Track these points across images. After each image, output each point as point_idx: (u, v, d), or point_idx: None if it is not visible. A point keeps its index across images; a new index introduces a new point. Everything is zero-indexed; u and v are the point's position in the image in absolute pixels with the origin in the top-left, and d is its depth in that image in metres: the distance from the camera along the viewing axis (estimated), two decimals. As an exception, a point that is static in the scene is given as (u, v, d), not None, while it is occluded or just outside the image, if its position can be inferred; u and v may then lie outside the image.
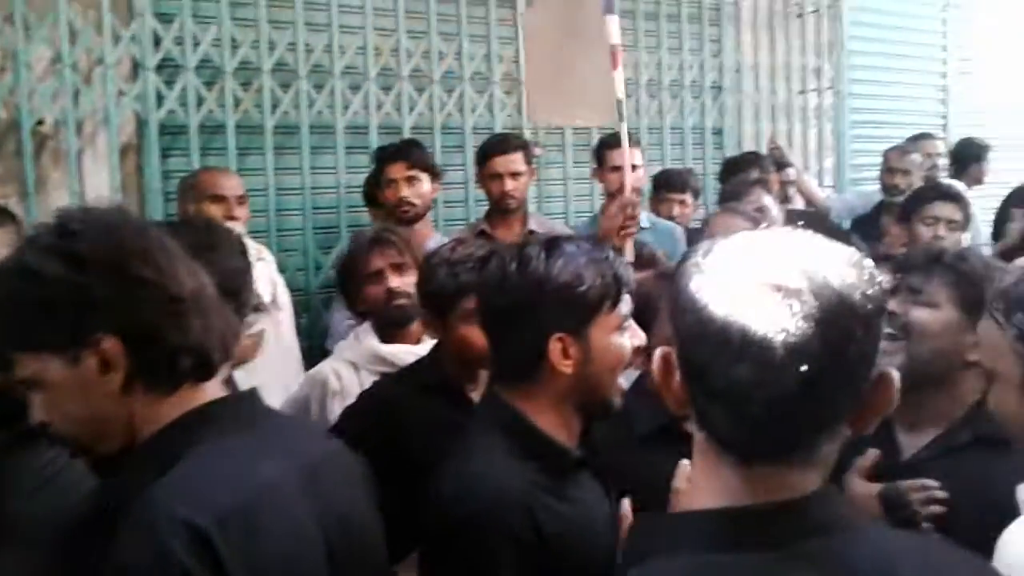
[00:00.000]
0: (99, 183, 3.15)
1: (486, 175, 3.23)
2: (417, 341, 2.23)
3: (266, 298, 2.51)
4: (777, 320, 0.74)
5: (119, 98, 3.17)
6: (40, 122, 3.05)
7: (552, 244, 1.37)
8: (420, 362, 2.05)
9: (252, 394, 1.17)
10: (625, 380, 1.47)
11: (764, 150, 4.65)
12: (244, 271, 1.58)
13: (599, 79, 2.09)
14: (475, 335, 1.64)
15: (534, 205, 3.99)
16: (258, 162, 3.45)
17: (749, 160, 4.03)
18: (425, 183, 3.09)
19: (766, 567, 0.75)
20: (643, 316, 1.68)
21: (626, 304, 1.39)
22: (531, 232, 3.12)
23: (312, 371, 2.50)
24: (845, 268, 0.78)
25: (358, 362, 2.20)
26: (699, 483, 0.84)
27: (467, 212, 3.93)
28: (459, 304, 1.82)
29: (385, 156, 3.17)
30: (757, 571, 0.75)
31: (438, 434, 1.57)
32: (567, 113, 2.24)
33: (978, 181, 4.82)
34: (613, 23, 2.23)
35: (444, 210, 3.84)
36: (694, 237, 3.25)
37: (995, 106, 5.91)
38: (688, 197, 3.85)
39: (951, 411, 1.47)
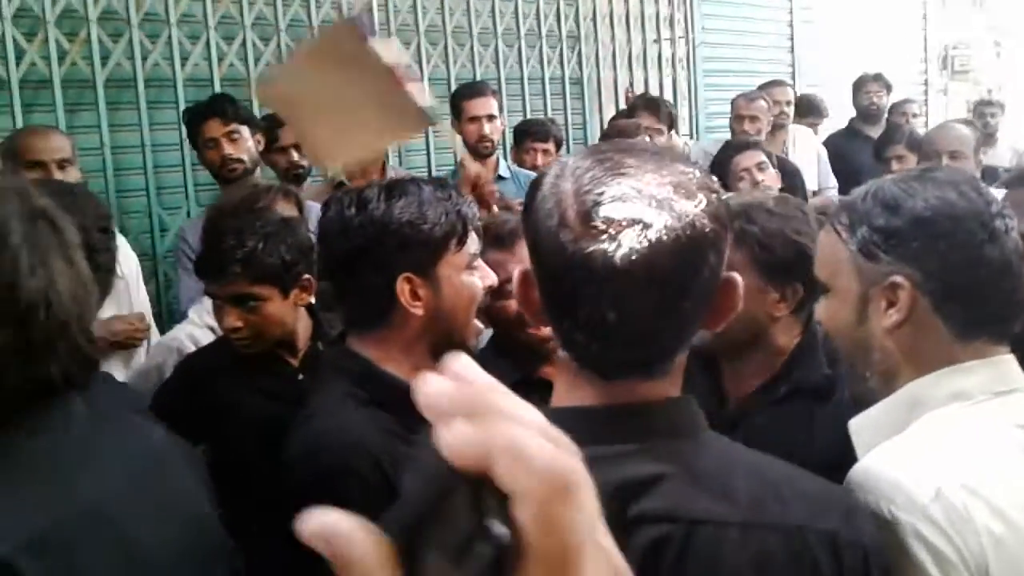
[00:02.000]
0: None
1: (465, 119, 3.36)
2: None
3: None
4: (632, 247, 0.75)
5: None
6: None
7: (392, 186, 1.34)
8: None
9: (74, 395, 0.94)
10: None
11: (622, 99, 4.69)
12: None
13: (390, 100, 2.04)
14: None
15: (395, 159, 3.88)
16: (91, 119, 3.20)
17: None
18: (247, 138, 2.87)
19: (617, 459, 0.78)
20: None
21: (474, 242, 1.37)
22: None
23: (164, 337, 2.38)
24: (694, 191, 0.79)
25: (215, 326, 2.08)
26: (561, 395, 0.86)
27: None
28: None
29: (196, 116, 2.93)
30: (609, 462, 0.77)
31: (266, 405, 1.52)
32: (366, 145, 2.17)
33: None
34: (383, 44, 2.15)
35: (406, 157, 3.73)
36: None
37: (837, 54, 6.16)
38: (551, 146, 3.83)
39: (771, 364, 1.48)
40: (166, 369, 2.12)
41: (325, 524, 0.34)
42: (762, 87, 4.76)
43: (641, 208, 0.76)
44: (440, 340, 1.34)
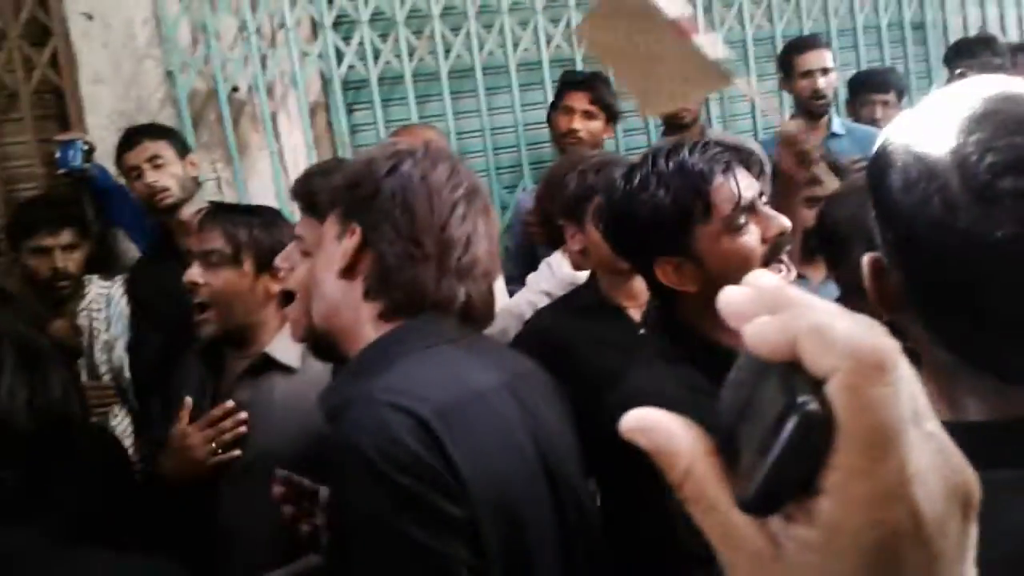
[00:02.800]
0: (295, 143, 3.31)
1: (796, 75, 3.24)
2: None
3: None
4: None
5: (303, 59, 3.30)
6: (235, 88, 3.22)
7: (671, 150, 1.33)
8: (577, 287, 2.05)
9: (452, 319, 1.17)
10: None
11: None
12: None
13: (684, 55, 2.01)
14: None
15: (719, 124, 3.82)
16: (437, 108, 3.50)
17: (981, 42, 3.69)
18: (599, 121, 2.99)
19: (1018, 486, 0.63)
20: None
21: (729, 202, 1.28)
22: None
23: (507, 304, 2.53)
24: None
25: (553, 292, 2.20)
26: (938, 403, 0.71)
27: (648, 140, 3.83)
28: (588, 207, 1.83)
29: (568, 84, 3.10)
30: (1008, 491, 0.62)
31: (602, 354, 1.56)
32: (676, 95, 2.15)
33: None
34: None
35: (624, 139, 3.77)
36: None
37: None
38: (892, 97, 3.55)
39: None
40: (509, 334, 2.26)
41: (646, 418, 0.35)
42: None
43: None
44: None
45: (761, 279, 0.35)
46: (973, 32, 4.39)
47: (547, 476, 1.10)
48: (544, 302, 2.25)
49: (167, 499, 1.78)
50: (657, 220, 1.28)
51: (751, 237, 1.28)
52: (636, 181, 1.30)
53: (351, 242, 1.11)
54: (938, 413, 0.69)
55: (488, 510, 0.99)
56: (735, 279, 1.03)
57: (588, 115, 2.97)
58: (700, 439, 0.34)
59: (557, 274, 2.25)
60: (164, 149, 2.71)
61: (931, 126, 0.67)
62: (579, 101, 2.99)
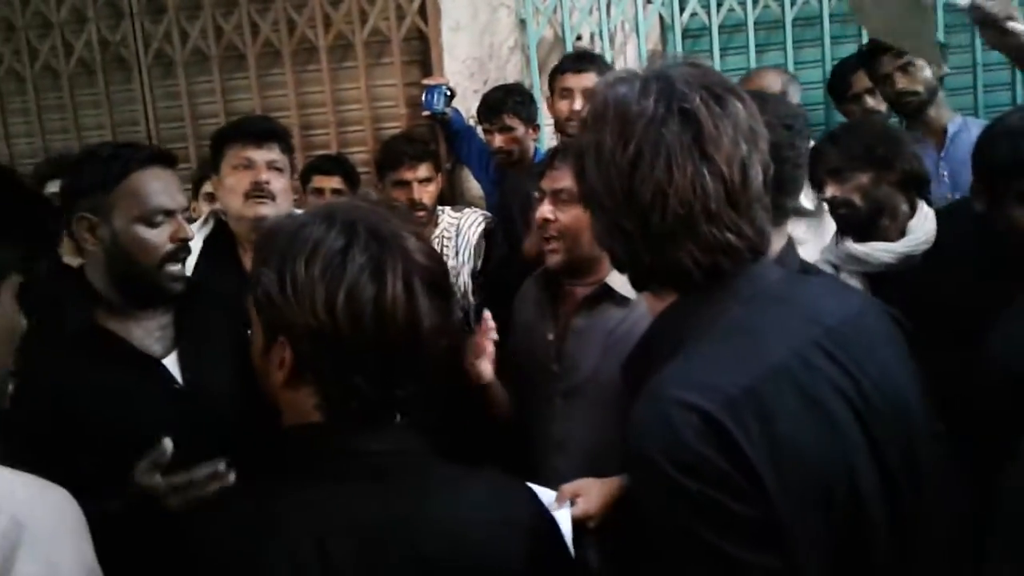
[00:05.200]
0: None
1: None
2: (900, 235, 2.04)
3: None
4: None
5: (646, 6, 3.35)
6: (579, 37, 3.36)
7: None
8: (959, 248, 1.92)
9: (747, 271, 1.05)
10: None
11: None
12: None
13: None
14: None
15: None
16: (777, 57, 3.42)
17: None
18: (923, 69, 2.68)
19: None
20: None
21: None
22: None
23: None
24: None
25: (837, 263, 2.10)
26: None
27: (1012, 96, 3.47)
28: (1016, 180, 1.65)
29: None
30: None
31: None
32: (897, 35, 1.96)
33: None
34: None
35: (985, 95, 3.44)
36: None
37: None
38: None
39: None
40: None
41: None
42: None
43: None
44: None
45: None
46: None
47: (871, 441, 0.97)
48: (829, 271, 2.11)
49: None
50: None
51: None
52: None
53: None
54: None
55: (795, 507, 0.89)
56: None
57: (905, 69, 2.69)
58: None
59: (839, 245, 2.11)
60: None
61: None
62: (579, 81, 2.81)
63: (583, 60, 2.89)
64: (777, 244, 1.47)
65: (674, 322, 1.02)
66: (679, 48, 3.38)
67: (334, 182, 2.92)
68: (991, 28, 1.89)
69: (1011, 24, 1.87)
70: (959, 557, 1.06)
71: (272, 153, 2.20)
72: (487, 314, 1.99)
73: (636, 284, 1.07)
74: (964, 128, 2.61)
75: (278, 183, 2.19)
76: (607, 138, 0.99)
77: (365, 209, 1.05)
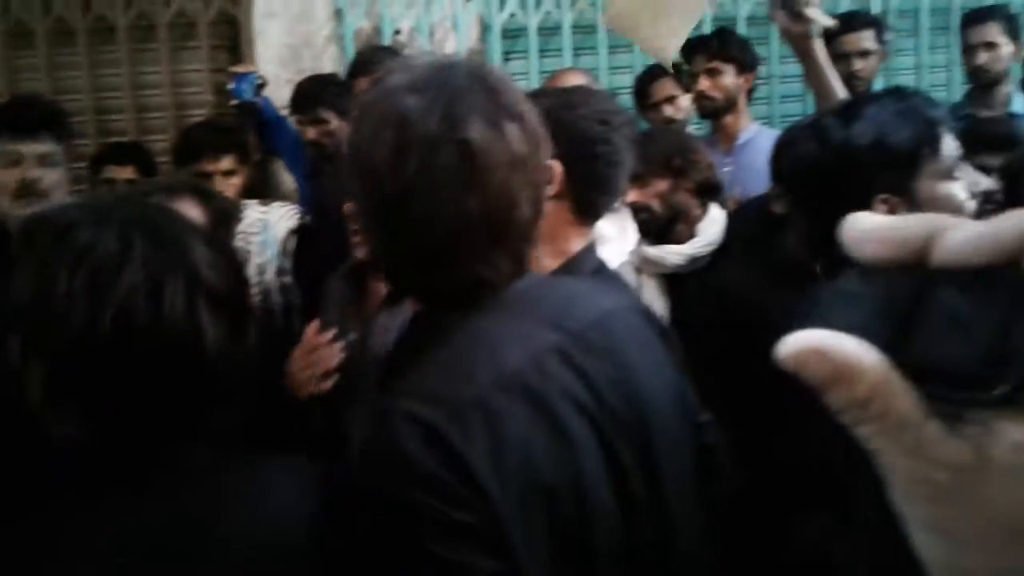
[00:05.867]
0: (448, 87, 3.36)
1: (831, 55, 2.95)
2: (691, 238, 2.11)
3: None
4: None
5: (466, 4, 3.34)
6: (397, 31, 3.30)
7: (849, 108, 1.28)
8: (754, 247, 2.01)
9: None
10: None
11: None
12: None
13: None
14: None
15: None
16: (593, 61, 3.49)
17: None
18: (727, 75, 2.80)
19: None
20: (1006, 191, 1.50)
21: (951, 146, 1.25)
22: None
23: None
24: None
25: (636, 264, 2.14)
26: None
27: (804, 108, 3.70)
28: None
29: (687, 50, 2.89)
30: None
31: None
32: (675, 33, 2.11)
33: None
34: None
35: (780, 106, 3.65)
36: None
37: None
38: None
39: None
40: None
41: (822, 337, 0.32)
42: None
43: None
44: None
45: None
46: None
47: (605, 445, 0.98)
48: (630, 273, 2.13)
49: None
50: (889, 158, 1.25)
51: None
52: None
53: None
54: None
55: (517, 511, 0.90)
56: None
57: (712, 72, 2.79)
58: (879, 353, 0.32)
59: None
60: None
61: None
62: (698, 63, 2.82)
63: (384, 55, 2.81)
64: (577, 245, 1.47)
65: (419, 330, 1.03)
66: (498, 48, 3.39)
67: (127, 172, 2.73)
68: (787, 9, 1.95)
69: (808, 10, 1.94)
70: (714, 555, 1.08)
71: (43, 146, 2.01)
72: (312, 327, 1.89)
73: (395, 293, 1.06)
74: (757, 136, 2.75)
75: (50, 178, 2.01)
76: (382, 151, 0.94)
77: (148, 209, 0.95)
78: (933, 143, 1.25)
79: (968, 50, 3.09)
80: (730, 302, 1.80)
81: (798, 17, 1.94)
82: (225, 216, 2.40)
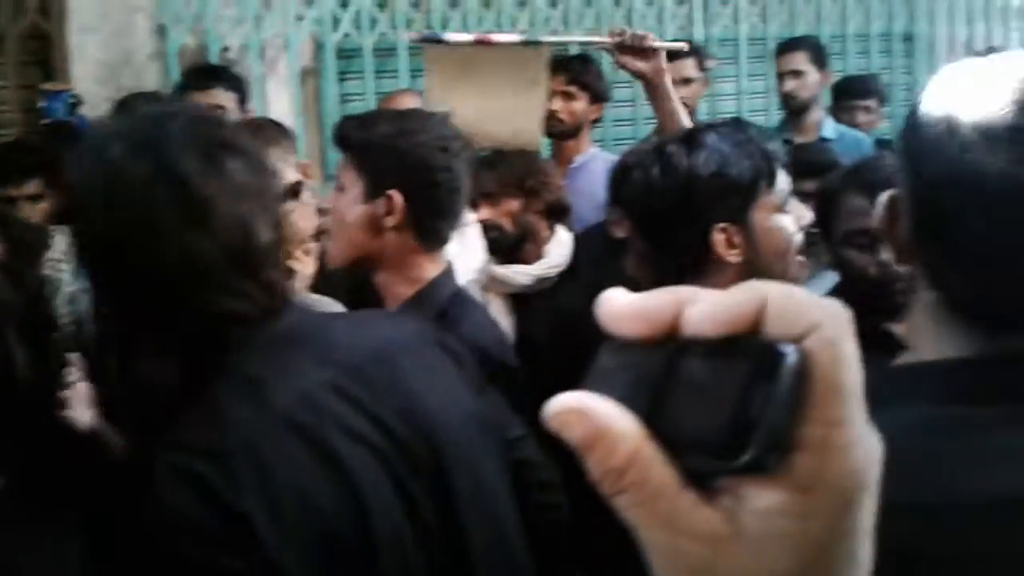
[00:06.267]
0: (281, 108, 3.26)
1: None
2: (539, 259, 2.12)
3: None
4: None
5: (298, 22, 3.26)
6: (226, 48, 3.18)
7: (690, 136, 1.31)
8: (598, 271, 2.04)
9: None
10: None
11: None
12: None
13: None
14: None
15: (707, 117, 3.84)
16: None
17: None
18: (581, 101, 2.85)
19: (1007, 422, 0.66)
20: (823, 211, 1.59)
21: (783, 181, 1.32)
22: None
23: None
24: None
25: (484, 282, 2.13)
26: (923, 344, 0.74)
27: (635, 131, 3.84)
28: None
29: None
30: (998, 426, 0.66)
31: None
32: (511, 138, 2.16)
33: None
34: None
35: (612, 129, 3.77)
36: (885, 148, 3.03)
37: None
38: (872, 103, 3.60)
39: None
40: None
41: (585, 400, 0.32)
42: None
43: None
44: None
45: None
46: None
47: (395, 477, 0.98)
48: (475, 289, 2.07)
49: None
50: (730, 187, 1.28)
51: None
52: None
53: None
54: (924, 352, 0.72)
55: (297, 552, 0.90)
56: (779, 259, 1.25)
57: (566, 96, 2.82)
58: (637, 422, 0.32)
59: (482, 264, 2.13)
60: (229, 101, 2.64)
61: (962, 70, 0.70)
62: (556, 83, 2.82)
63: (209, 77, 2.70)
64: (432, 271, 1.46)
65: (184, 376, 1.02)
66: (333, 68, 3.33)
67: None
68: (632, 49, 1.96)
69: (655, 43, 1.97)
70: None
71: None
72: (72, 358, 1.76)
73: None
74: (591, 160, 2.81)
75: None
76: (95, 199, 0.94)
77: None
78: (770, 176, 1.30)
79: (779, 77, 3.29)
80: (573, 324, 1.81)
81: (645, 53, 1.97)
82: (25, 244, 2.24)
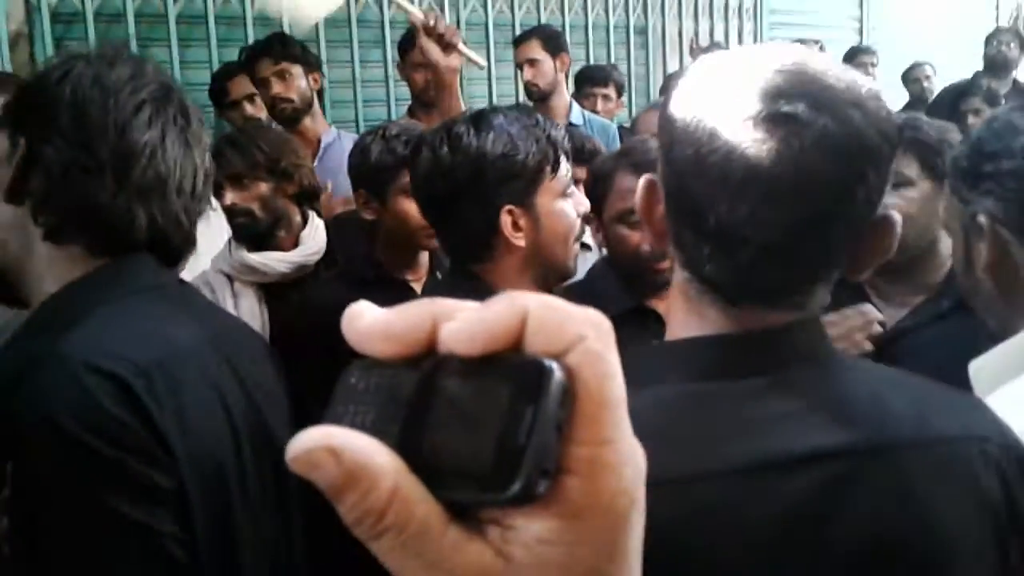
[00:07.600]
0: (-13, 74, 2.89)
1: (411, 64, 3.00)
2: (294, 246, 2.02)
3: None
4: (783, 156, 0.66)
5: (4, -20, 2.90)
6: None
7: (479, 118, 1.30)
8: (353, 258, 1.96)
9: (151, 261, 1.05)
10: (585, 263, 1.43)
11: (687, 50, 4.61)
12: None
13: None
14: (414, 208, 1.56)
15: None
16: (162, 54, 3.22)
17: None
18: (299, 78, 2.73)
19: (754, 394, 0.71)
20: (597, 192, 1.64)
21: (566, 167, 1.34)
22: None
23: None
24: (861, 99, 0.69)
25: (231, 273, 2.01)
26: (678, 321, 0.78)
27: (387, 112, 3.78)
28: (397, 178, 1.75)
29: (251, 55, 2.78)
30: (745, 398, 0.71)
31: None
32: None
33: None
34: None
35: (364, 109, 3.69)
36: (623, 136, 3.19)
37: (906, 5, 5.98)
38: (611, 91, 3.77)
39: (932, 280, 1.47)
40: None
41: (337, 436, 0.28)
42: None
43: (799, 108, 0.66)
44: (543, 269, 1.34)
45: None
46: (687, 40, 4.79)
47: (254, 441, 1.03)
48: (221, 281, 2.01)
49: None
50: (517, 170, 1.28)
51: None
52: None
53: (16, 157, 0.97)
54: (679, 330, 0.76)
55: (196, 478, 0.93)
56: (562, 242, 1.30)
57: (282, 76, 2.69)
58: (394, 455, 0.29)
59: (233, 254, 1.99)
60: None
61: (717, 63, 0.74)
62: (266, 68, 2.70)
63: None
64: None
65: (78, 294, 0.98)
66: (47, 32, 2.98)
67: None
68: (438, 42, 1.89)
69: (463, 47, 1.92)
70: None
71: None
72: None
73: (53, 235, 0.98)
74: (337, 140, 2.72)
75: None
76: (112, 74, 0.98)
77: None
78: (555, 162, 1.31)
79: (518, 67, 3.35)
80: (328, 315, 1.73)
81: (448, 48, 1.91)
82: None
